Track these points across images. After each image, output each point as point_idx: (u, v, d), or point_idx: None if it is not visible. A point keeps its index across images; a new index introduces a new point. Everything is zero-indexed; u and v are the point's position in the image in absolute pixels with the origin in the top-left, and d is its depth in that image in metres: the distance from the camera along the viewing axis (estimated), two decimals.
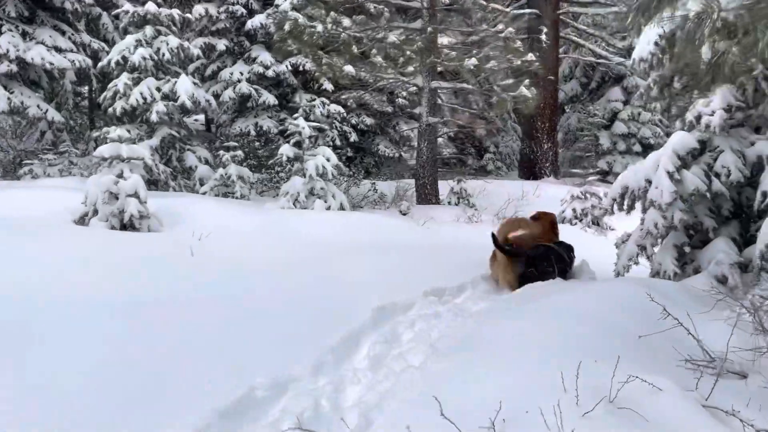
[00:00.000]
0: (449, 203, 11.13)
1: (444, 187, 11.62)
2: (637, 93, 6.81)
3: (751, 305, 3.58)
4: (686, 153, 5.74)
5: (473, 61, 9.12)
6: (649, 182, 5.94)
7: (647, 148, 22.37)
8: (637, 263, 6.23)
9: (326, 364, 4.04)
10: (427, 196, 10.93)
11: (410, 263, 6.53)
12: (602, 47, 21.89)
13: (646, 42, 6.41)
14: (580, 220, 10.24)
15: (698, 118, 5.84)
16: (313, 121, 10.81)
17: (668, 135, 24.18)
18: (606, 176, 21.74)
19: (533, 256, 5.84)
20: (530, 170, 19.28)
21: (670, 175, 5.61)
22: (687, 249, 5.91)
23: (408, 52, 9.07)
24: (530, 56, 10.39)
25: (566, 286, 5.04)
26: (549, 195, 12.36)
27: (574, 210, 10.32)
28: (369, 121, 15.81)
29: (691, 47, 3.83)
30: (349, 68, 9.44)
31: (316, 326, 4.52)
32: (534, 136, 19.24)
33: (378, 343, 4.46)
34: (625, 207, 6.53)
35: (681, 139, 5.77)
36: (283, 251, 6.26)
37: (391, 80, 10.32)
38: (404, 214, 9.82)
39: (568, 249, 6.23)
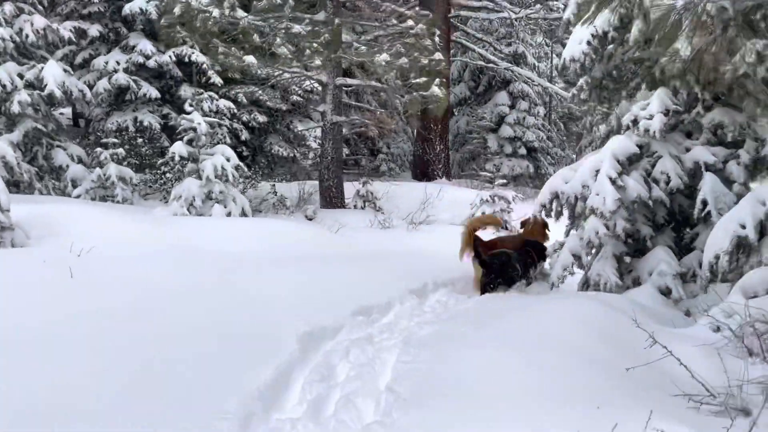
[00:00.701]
0: (355, 207, 10.50)
1: (348, 189, 10.96)
2: (570, 93, 6.51)
3: (753, 331, 3.22)
4: (626, 158, 5.48)
5: (384, 56, 8.53)
6: (586, 188, 5.64)
7: (531, 151, 23.14)
8: (572, 273, 5.91)
9: (255, 415, 3.27)
10: (333, 199, 10.23)
11: (331, 277, 5.83)
12: (490, 52, 22.23)
13: (577, 42, 6.12)
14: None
15: (635, 121, 5.61)
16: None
17: (550, 139, 25.26)
18: (493, 179, 22.09)
19: (492, 263, 5.72)
20: (423, 172, 19.15)
21: (613, 181, 5.31)
22: (627, 259, 5.65)
23: (315, 45, 8.32)
24: (438, 55, 9.99)
25: (521, 303, 4.56)
26: (452, 198, 12.07)
27: (483, 214, 10.03)
28: (261, 118, 14.81)
29: (667, 42, 3.45)
30: (250, 59, 8.53)
31: (238, 364, 3.73)
32: (427, 137, 19.17)
33: (314, 382, 3.76)
34: (553, 214, 6.25)
35: (620, 144, 5.49)
36: (185, 269, 5.32)
37: (295, 74, 9.52)
38: (310, 219, 9.07)
39: (541, 251, 6.22)
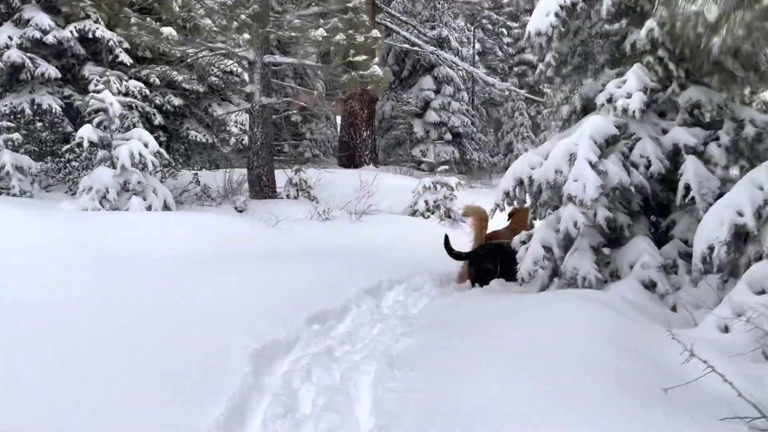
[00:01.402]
0: (288, 196, 9.67)
1: (279, 177, 10.11)
2: (536, 71, 5.99)
3: None
4: (604, 141, 5.00)
5: (321, 32, 7.74)
6: (560, 173, 5.13)
7: (456, 137, 22.97)
8: (543, 267, 5.42)
9: None
10: (264, 188, 9.35)
11: (276, 279, 5.09)
12: (414, 35, 21.75)
13: (544, 13, 5.59)
14: (433, 213, 9.42)
15: (610, 100, 5.15)
16: None
17: (473, 124, 25.14)
18: (420, 165, 21.79)
19: (479, 255, 5.74)
20: (350, 158, 18.52)
21: (593, 166, 4.81)
22: (606, 250, 5.20)
23: (242, 17, 7.41)
24: (375, 33, 9.30)
25: (507, 306, 3.98)
26: (389, 185, 11.49)
27: (426, 202, 9.47)
28: (177, 101, 13.62)
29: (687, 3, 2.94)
30: (169, 30, 7.51)
31: (182, 397, 2.98)
32: (353, 123, 18.54)
33: (276, 418, 3.08)
34: (516, 202, 5.75)
35: (598, 125, 5.00)
36: (103, 278, 4.41)
37: (219, 50, 8.55)
38: (241, 212, 8.20)
39: None
